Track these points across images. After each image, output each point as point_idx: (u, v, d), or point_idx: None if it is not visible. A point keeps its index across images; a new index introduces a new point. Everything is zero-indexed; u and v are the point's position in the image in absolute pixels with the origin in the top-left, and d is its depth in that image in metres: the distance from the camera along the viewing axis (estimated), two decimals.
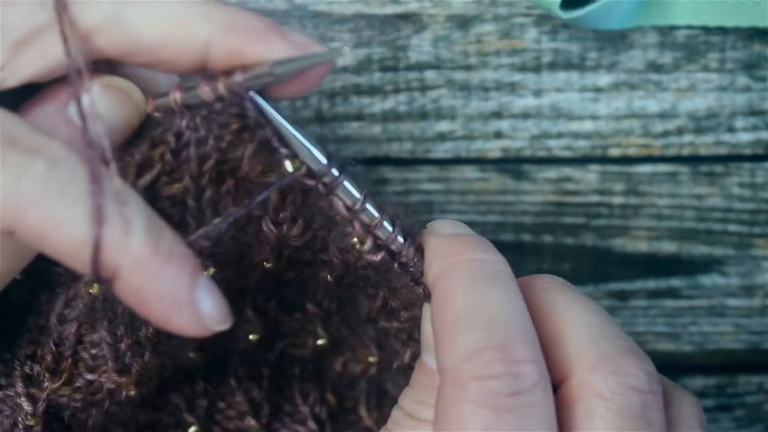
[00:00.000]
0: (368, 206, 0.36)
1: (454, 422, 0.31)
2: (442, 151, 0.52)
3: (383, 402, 0.46)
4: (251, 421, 0.45)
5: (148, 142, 0.36)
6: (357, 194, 0.36)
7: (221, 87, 0.34)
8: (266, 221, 0.38)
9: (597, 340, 0.34)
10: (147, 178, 0.36)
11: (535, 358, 0.32)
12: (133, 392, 0.39)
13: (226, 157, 0.37)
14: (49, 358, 0.38)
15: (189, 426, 0.45)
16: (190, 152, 0.36)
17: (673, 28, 0.51)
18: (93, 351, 0.38)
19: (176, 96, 0.35)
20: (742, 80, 0.52)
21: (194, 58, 0.34)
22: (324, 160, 0.35)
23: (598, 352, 0.33)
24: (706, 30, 0.52)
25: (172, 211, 0.37)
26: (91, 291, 0.36)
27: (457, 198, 0.53)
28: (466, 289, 0.33)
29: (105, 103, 0.34)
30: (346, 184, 0.36)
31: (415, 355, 0.41)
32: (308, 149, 0.35)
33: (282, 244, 0.38)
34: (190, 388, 0.45)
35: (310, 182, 0.36)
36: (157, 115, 0.36)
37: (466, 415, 0.31)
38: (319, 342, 0.45)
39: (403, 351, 0.41)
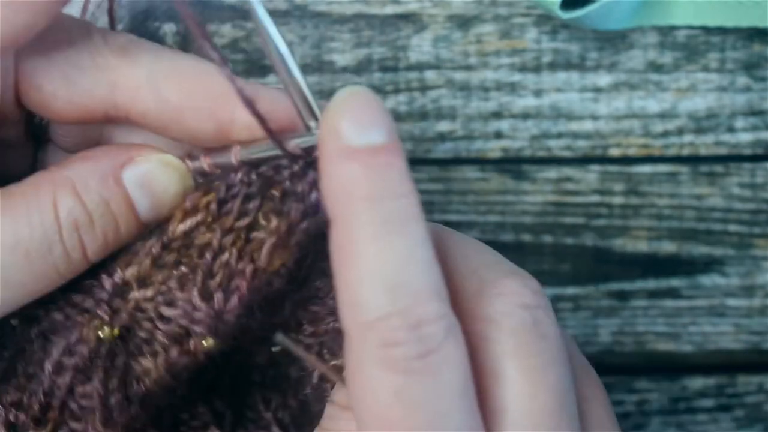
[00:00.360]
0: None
1: (365, 387, 0.30)
2: (442, 151, 0.52)
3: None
4: (215, 431, 0.45)
5: (201, 190, 0.36)
6: None
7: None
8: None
9: (475, 269, 0.33)
10: (187, 223, 0.36)
11: (442, 313, 0.30)
12: None
13: (256, 228, 0.36)
14: (36, 407, 0.37)
15: None
16: (234, 205, 0.36)
17: (673, 28, 0.51)
18: (82, 402, 0.37)
19: (205, 161, 0.36)
20: (742, 80, 0.52)
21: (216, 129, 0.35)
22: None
23: (479, 280, 0.32)
24: (706, 30, 0.52)
25: (198, 261, 0.37)
26: (99, 334, 0.36)
27: (457, 198, 0.53)
28: (366, 242, 0.30)
29: (162, 179, 0.35)
30: None
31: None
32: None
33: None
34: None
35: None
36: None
37: (376, 381, 0.30)
38: (274, 349, 0.45)
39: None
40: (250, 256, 0.36)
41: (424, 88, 0.52)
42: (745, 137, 0.53)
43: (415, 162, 0.52)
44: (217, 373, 0.45)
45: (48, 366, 0.37)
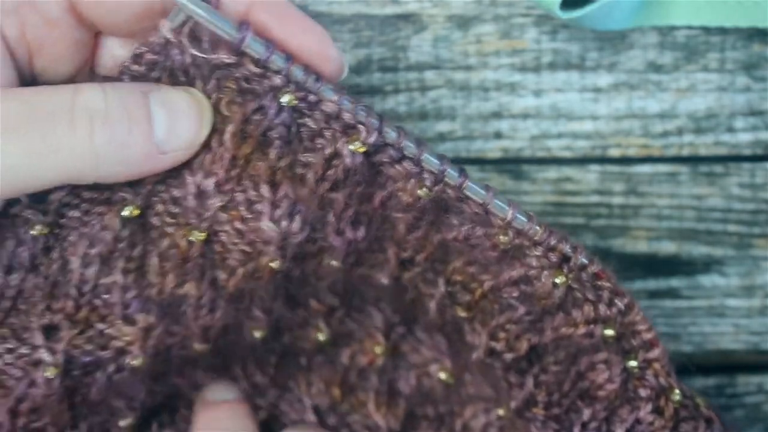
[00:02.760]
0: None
1: None
2: (441, 151, 0.52)
3: (395, 400, 0.47)
4: (258, 401, 0.45)
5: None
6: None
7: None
8: (265, 221, 0.38)
9: None
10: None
11: None
12: (137, 359, 0.40)
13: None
14: (70, 304, 0.39)
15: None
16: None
17: (673, 28, 0.51)
18: (105, 296, 0.39)
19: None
20: (742, 80, 0.52)
21: None
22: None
23: None
24: (706, 30, 0.52)
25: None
26: (123, 214, 0.39)
27: None
28: None
29: (183, 103, 0.37)
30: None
31: (492, 351, 0.42)
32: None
33: (285, 241, 0.39)
34: (192, 372, 0.45)
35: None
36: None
37: None
38: (320, 337, 0.45)
39: (479, 340, 0.43)
40: (220, 139, 0.38)
41: (423, 88, 0.52)
42: (745, 137, 0.53)
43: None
44: (264, 352, 0.46)
45: (76, 261, 0.39)
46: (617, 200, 0.53)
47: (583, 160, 0.53)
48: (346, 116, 0.38)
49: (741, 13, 0.50)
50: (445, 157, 0.39)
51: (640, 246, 0.54)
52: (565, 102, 0.52)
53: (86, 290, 0.39)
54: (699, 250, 0.54)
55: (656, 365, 0.41)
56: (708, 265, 0.54)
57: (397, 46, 0.51)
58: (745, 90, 0.52)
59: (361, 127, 0.38)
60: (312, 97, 0.38)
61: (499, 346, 0.43)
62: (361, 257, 0.42)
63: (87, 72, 0.41)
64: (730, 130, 0.53)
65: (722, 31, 0.51)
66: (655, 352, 0.41)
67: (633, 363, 0.42)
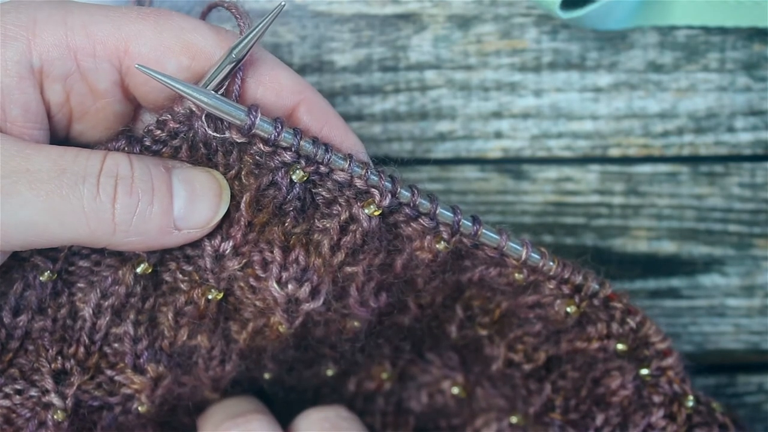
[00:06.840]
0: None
1: None
2: (442, 151, 0.52)
3: (404, 418, 0.47)
4: None
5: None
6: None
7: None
8: (272, 282, 0.39)
9: None
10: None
11: None
12: (144, 406, 0.41)
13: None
14: (81, 350, 0.40)
15: None
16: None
17: (673, 28, 0.51)
18: (115, 345, 0.40)
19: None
20: (742, 80, 0.52)
21: None
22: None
23: None
24: (706, 30, 0.52)
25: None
26: (137, 271, 0.39)
27: (457, 198, 0.53)
28: None
29: (203, 182, 0.39)
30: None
31: (511, 362, 0.43)
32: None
33: (292, 305, 0.40)
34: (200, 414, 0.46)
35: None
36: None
37: None
38: (329, 373, 0.46)
39: (497, 351, 0.44)
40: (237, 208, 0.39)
41: (424, 88, 0.52)
42: (745, 137, 0.53)
43: (415, 162, 0.52)
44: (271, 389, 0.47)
45: (88, 310, 0.40)
46: (617, 200, 0.53)
47: (583, 160, 0.53)
48: (358, 183, 0.39)
49: (741, 13, 0.50)
50: (458, 208, 0.40)
51: (640, 246, 0.54)
52: (565, 102, 0.52)
53: (97, 338, 0.40)
54: (699, 250, 0.54)
55: (670, 373, 0.42)
56: (708, 265, 0.54)
57: (397, 46, 0.51)
58: (745, 90, 0.52)
59: (374, 191, 0.39)
60: (323, 168, 0.38)
61: (517, 357, 0.44)
62: (382, 313, 0.43)
63: None
64: (731, 130, 0.53)
65: (722, 31, 0.51)
66: (668, 361, 0.42)
67: (645, 371, 0.42)
